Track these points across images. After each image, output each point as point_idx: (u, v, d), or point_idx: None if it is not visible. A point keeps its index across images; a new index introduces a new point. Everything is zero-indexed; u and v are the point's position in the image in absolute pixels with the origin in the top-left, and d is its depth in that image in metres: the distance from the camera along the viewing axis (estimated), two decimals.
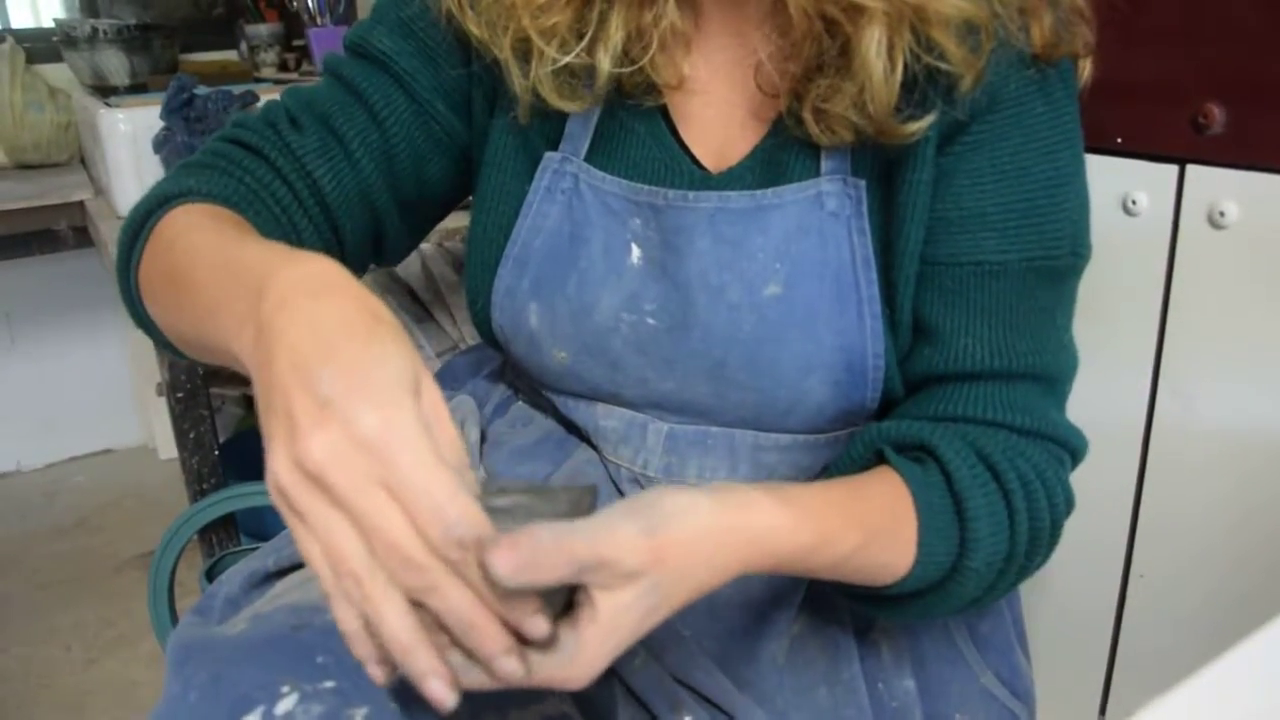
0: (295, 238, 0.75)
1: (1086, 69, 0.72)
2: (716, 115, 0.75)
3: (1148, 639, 0.98)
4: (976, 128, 0.68)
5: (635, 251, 0.75)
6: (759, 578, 0.73)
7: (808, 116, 0.68)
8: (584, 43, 0.70)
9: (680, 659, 0.68)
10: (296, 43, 2.33)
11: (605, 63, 0.70)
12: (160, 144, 1.81)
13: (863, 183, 0.71)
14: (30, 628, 2.11)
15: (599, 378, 0.77)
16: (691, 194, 0.72)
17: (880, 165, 0.71)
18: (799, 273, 0.71)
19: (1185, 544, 0.93)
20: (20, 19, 2.75)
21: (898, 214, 0.69)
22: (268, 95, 1.92)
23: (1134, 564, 0.97)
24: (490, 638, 0.46)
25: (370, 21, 0.79)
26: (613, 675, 0.67)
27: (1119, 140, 0.90)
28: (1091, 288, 0.95)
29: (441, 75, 0.78)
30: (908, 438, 0.68)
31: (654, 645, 0.68)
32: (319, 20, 2.09)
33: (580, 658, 0.49)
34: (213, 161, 0.74)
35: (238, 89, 1.84)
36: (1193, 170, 0.87)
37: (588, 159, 0.76)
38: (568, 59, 0.71)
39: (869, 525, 0.60)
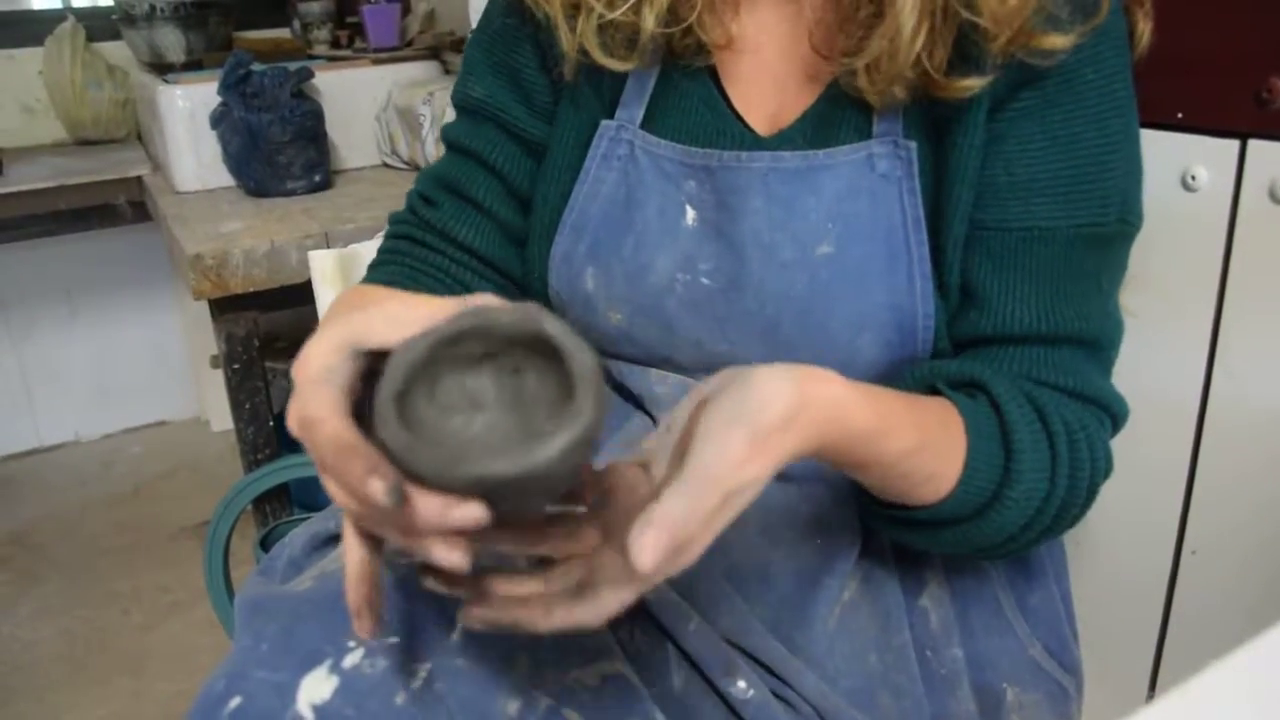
0: (466, 291, 0.83)
1: (1145, 36, 0.71)
2: (769, 77, 0.76)
3: (1199, 616, 0.97)
4: (1027, 93, 0.68)
5: (690, 213, 0.76)
6: (810, 545, 0.74)
7: (861, 75, 0.69)
8: (631, 1, 0.72)
9: (734, 623, 0.69)
10: (350, 20, 2.35)
11: (650, 21, 0.72)
12: (217, 120, 1.84)
13: (914, 145, 0.71)
14: (90, 593, 2.17)
15: (653, 340, 0.78)
16: (745, 154, 0.74)
17: (931, 127, 0.71)
18: (851, 233, 0.72)
19: (1238, 521, 0.92)
20: None
21: (947, 177, 0.70)
22: (322, 72, 1.94)
23: (1186, 540, 0.96)
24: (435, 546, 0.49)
25: (463, 73, 0.86)
26: (667, 638, 0.68)
27: (1179, 115, 0.89)
28: (1149, 263, 0.94)
29: (532, 98, 0.83)
30: (962, 374, 0.68)
31: (708, 609, 0.70)
32: None
33: (701, 547, 0.51)
34: (383, 259, 0.86)
35: (293, 65, 1.86)
36: (1254, 145, 0.86)
37: (643, 126, 0.78)
38: (613, 15, 0.73)
39: (925, 431, 0.61)
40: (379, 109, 2.04)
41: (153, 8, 2.13)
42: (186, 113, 1.89)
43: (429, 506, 0.46)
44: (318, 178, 1.87)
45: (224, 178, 1.92)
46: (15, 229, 2.16)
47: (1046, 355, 0.70)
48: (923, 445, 0.61)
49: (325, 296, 1.31)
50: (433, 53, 2.14)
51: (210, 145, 1.90)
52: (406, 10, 2.26)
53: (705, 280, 0.75)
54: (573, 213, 0.79)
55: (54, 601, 2.15)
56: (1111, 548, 1.03)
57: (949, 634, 0.75)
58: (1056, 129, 0.69)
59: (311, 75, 1.88)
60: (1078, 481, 0.67)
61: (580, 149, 0.80)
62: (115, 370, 2.81)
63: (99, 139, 2.48)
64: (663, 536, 0.47)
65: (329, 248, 1.59)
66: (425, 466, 0.46)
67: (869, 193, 0.72)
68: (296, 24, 2.42)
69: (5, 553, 2.33)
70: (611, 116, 0.79)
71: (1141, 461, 0.97)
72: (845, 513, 0.75)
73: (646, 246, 0.76)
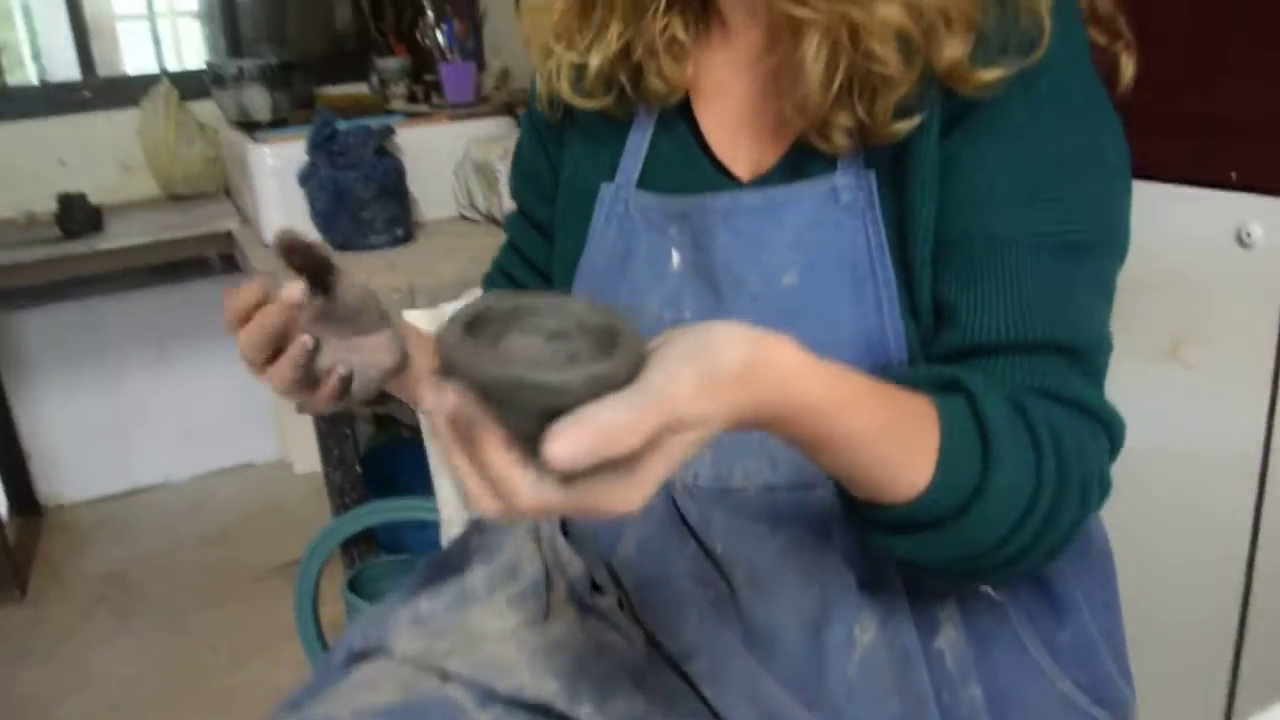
0: None
1: (1129, 71, 0.74)
2: (744, 126, 0.82)
3: (1271, 654, 0.98)
4: (977, 112, 0.70)
5: (675, 257, 0.82)
6: (807, 593, 0.75)
7: (810, 130, 0.75)
8: (587, 44, 0.83)
9: (748, 682, 0.71)
10: (427, 77, 2.44)
11: (595, 60, 0.83)
12: (305, 178, 1.93)
13: (873, 173, 0.74)
14: (179, 630, 2.26)
15: None
16: (709, 195, 0.80)
17: (890, 154, 0.74)
18: (815, 261, 0.75)
19: None
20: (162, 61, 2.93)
21: (909, 200, 0.72)
22: (402, 129, 2.03)
23: (1253, 596, 0.97)
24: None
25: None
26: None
27: (1232, 175, 0.92)
28: (1207, 318, 0.96)
29: (541, 186, 0.94)
30: (938, 377, 0.67)
31: (718, 675, 0.72)
32: (449, 55, 2.19)
33: (644, 485, 0.51)
34: None
35: (374, 123, 1.94)
36: None
37: (638, 185, 0.85)
38: (571, 58, 0.84)
39: (890, 412, 0.60)
40: (456, 163, 2.11)
41: (240, 70, 2.25)
42: (276, 170, 1.98)
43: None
44: (400, 231, 1.95)
45: (311, 232, 2.01)
46: (113, 281, 2.27)
47: (1023, 363, 0.68)
48: (887, 426, 0.60)
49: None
50: (507, 108, 2.21)
51: (298, 200, 1.98)
52: (481, 67, 2.35)
53: (688, 315, 0.80)
54: (582, 271, 0.87)
55: (147, 639, 2.23)
56: (1179, 591, 1.04)
57: (965, 675, 0.75)
58: (1010, 140, 0.69)
59: (393, 132, 1.96)
60: (1066, 480, 0.64)
61: (586, 213, 0.88)
62: (204, 414, 2.91)
63: (189, 194, 2.60)
64: (583, 434, 0.46)
65: (413, 299, 1.66)
66: (462, 356, 0.49)
67: (833, 224, 0.75)
68: (375, 79, 2.52)
69: (102, 591, 2.44)
70: (611, 179, 0.87)
71: (1205, 515, 0.99)
72: (830, 556, 0.76)
73: (639, 292, 0.83)
